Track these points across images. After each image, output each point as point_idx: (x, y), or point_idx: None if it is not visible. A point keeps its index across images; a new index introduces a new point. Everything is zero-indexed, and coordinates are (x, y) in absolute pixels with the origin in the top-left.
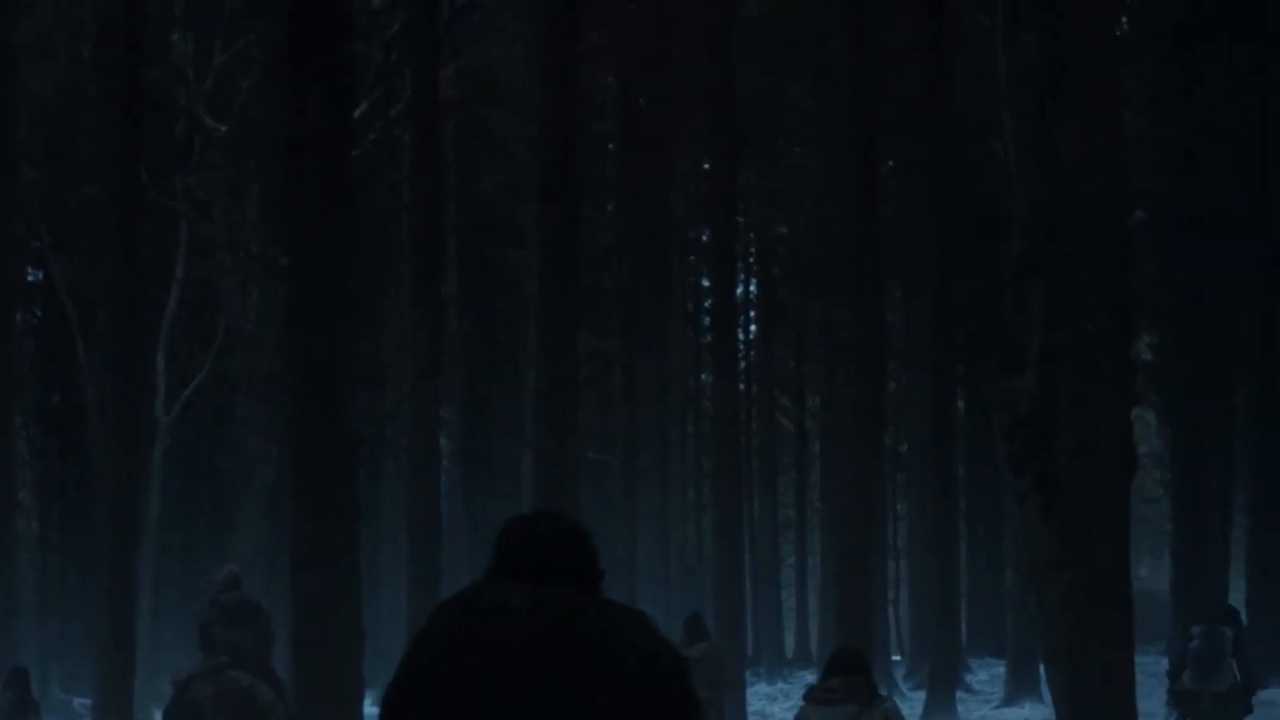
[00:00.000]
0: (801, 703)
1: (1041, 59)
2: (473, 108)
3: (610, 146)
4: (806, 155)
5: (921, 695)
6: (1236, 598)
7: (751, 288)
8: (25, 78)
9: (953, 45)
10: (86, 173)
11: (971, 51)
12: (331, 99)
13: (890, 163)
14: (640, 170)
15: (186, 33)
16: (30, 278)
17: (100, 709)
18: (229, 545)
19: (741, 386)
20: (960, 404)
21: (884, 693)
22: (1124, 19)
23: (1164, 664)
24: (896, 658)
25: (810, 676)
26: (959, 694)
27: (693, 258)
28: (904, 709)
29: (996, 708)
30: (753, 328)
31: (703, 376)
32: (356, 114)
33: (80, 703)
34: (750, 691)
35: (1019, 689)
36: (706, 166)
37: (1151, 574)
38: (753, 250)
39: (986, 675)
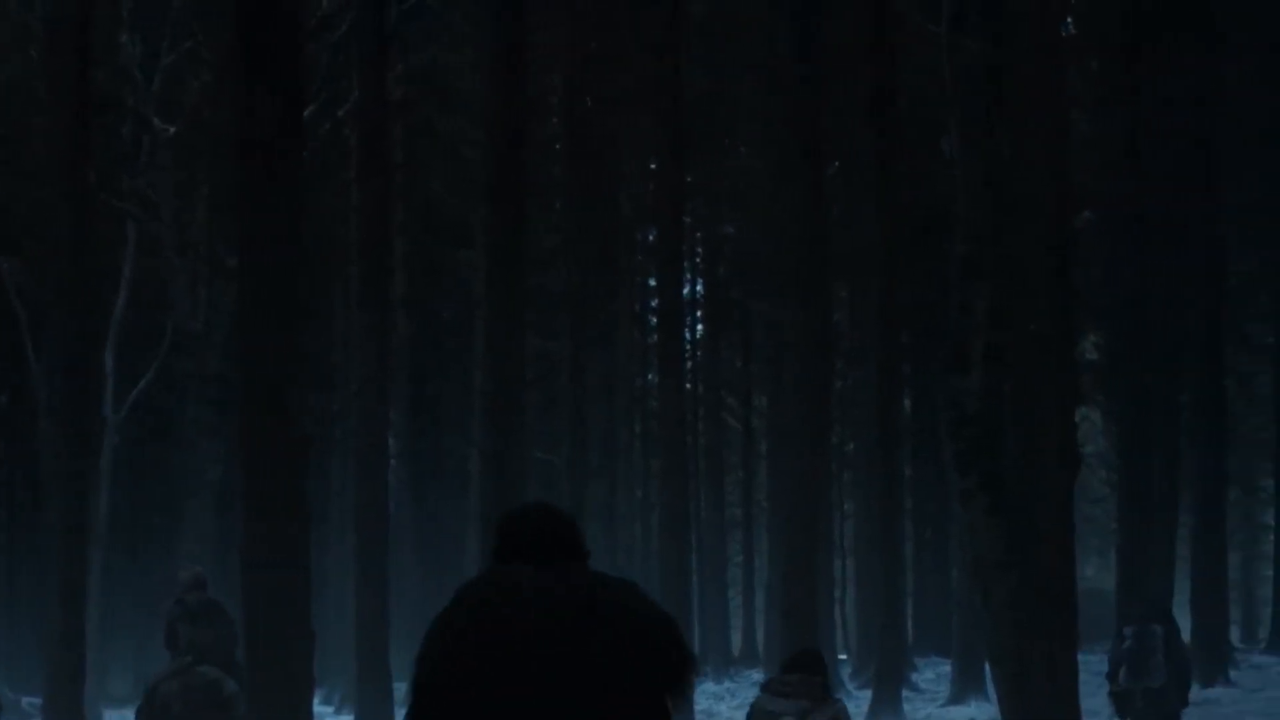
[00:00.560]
0: (758, 693)
1: (985, 63)
2: (420, 110)
3: (557, 147)
4: (753, 156)
5: (868, 694)
6: (1181, 598)
7: (698, 288)
8: None
9: (898, 47)
10: (35, 174)
11: (917, 52)
12: (282, 101)
13: (836, 163)
14: (587, 171)
15: (135, 34)
16: None
17: (50, 708)
18: (177, 545)
19: (688, 386)
20: (907, 403)
21: (837, 696)
22: (1069, 20)
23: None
24: (843, 657)
25: (757, 675)
26: (905, 693)
27: (640, 258)
28: (850, 708)
29: (942, 706)
30: (699, 327)
31: (649, 376)
32: (305, 114)
33: (29, 702)
34: (697, 690)
35: (965, 688)
36: (653, 167)
37: (1098, 573)
38: (699, 250)
39: (933, 674)
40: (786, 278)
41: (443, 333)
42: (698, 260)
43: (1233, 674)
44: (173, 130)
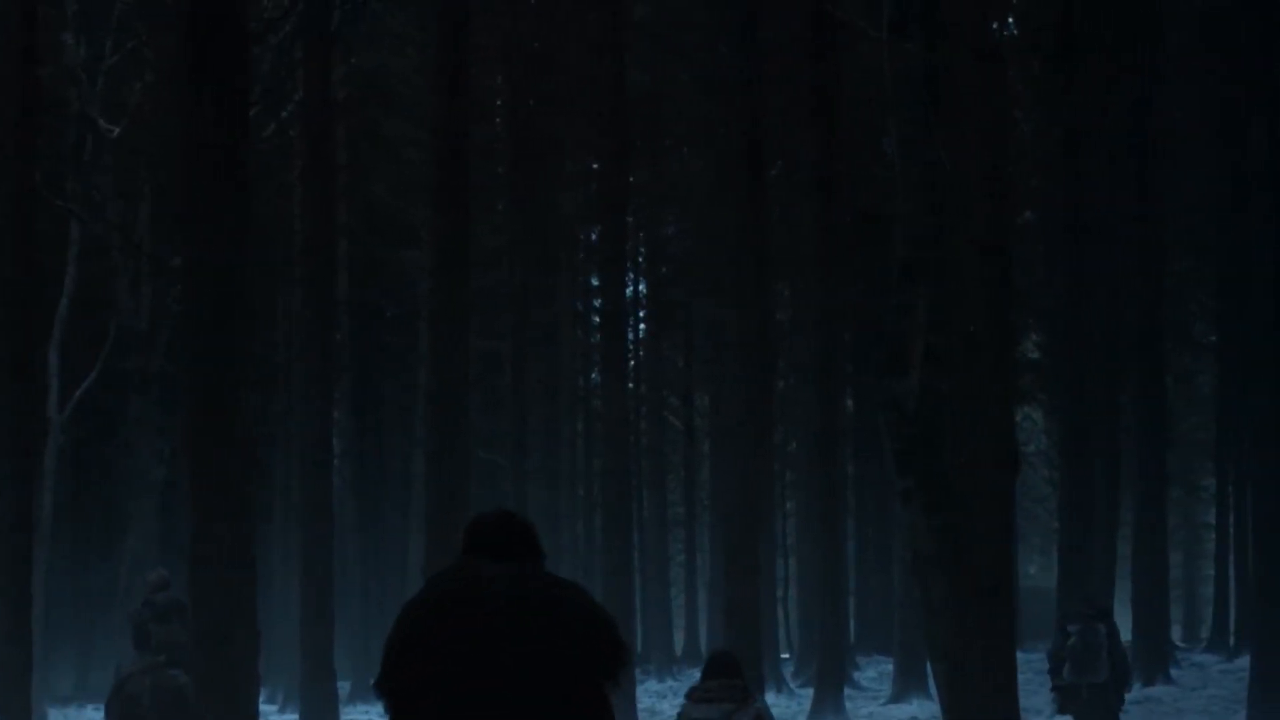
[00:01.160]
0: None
1: (923, 67)
2: (364, 111)
3: (501, 148)
4: (695, 157)
5: (810, 692)
6: (1122, 597)
7: (641, 288)
8: None
9: (838, 50)
10: None
11: (857, 55)
12: (227, 103)
13: (780, 163)
14: (530, 171)
15: (79, 34)
16: None
17: None
18: (121, 545)
19: (631, 386)
20: (849, 402)
21: (770, 695)
22: (1010, 21)
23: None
24: (785, 655)
25: (700, 674)
26: (847, 691)
27: (582, 258)
28: (792, 706)
29: (884, 704)
30: (642, 327)
31: (592, 376)
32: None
33: None
34: (640, 689)
35: (906, 686)
36: (596, 168)
37: (1041, 572)
38: (642, 251)
39: (875, 673)
40: (728, 278)
41: (386, 333)
42: (640, 260)
43: (1174, 672)
44: (117, 130)
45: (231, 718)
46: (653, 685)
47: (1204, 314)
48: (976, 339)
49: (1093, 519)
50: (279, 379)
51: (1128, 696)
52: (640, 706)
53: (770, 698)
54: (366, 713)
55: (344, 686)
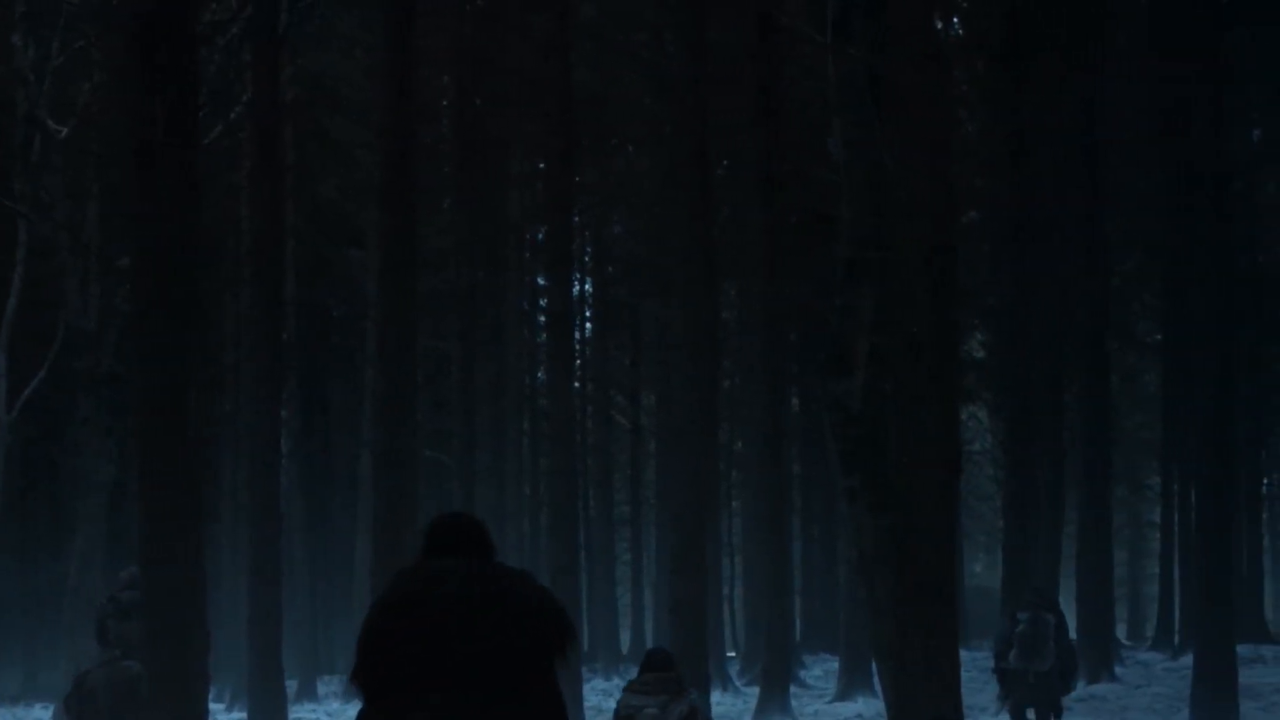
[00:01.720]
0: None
1: (867, 68)
2: (312, 112)
3: (447, 149)
4: (642, 157)
5: (756, 691)
6: (1067, 595)
7: (588, 287)
8: None
9: (784, 51)
10: None
11: (802, 56)
12: (176, 105)
13: (726, 163)
14: (477, 172)
15: (26, 35)
16: None
17: None
18: (69, 544)
19: (577, 385)
20: (795, 402)
21: (716, 693)
22: (956, 20)
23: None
24: (731, 654)
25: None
26: (793, 689)
27: (529, 257)
28: (738, 704)
29: (830, 703)
30: (588, 327)
31: (539, 375)
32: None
33: None
34: (586, 687)
35: (852, 684)
36: (542, 168)
37: (986, 570)
38: (589, 250)
39: (821, 671)
40: (674, 278)
41: (334, 332)
42: (587, 260)
43: (1118, 670)
44: (65, 131)
45: (181, 716)
46: (599, 683)
47: (1149, 313)
48: (921, 339)
49: (1038, 517)
50: (227, 379)
51: (1073, 694)
52: (587, 704)
53: (716, 696)
54: (314, 711)
55: (292, 685)
